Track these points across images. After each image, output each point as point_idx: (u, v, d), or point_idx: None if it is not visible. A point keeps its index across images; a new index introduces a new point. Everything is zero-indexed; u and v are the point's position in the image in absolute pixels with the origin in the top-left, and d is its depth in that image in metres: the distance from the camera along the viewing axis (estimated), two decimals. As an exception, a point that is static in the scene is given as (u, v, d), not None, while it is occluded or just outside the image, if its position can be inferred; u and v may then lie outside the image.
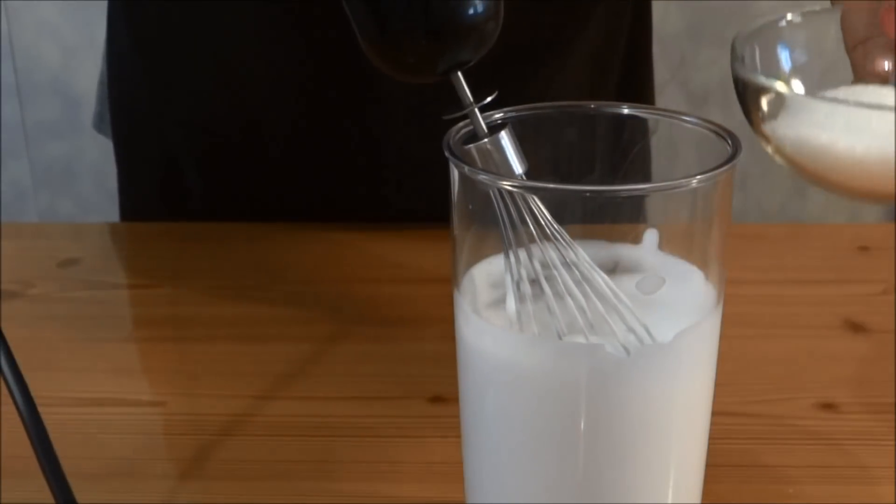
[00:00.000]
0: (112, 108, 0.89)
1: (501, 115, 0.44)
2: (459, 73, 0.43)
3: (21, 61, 1.82)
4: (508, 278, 0.43)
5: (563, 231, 0.42)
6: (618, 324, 0.41)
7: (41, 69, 1.82)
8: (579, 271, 0.42)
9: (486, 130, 0.42)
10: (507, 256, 0.42)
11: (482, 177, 0.42)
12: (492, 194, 0.42)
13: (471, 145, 0.42)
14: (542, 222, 0.41)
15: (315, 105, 0.80)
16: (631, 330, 0.41)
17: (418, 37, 0.42)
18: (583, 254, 0.42)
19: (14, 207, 1.88)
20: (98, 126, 0.94)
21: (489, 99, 0.43)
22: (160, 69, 0.83)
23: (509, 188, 0.41)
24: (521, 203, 0.41)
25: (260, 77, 0.80)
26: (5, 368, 0.41)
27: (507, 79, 0.47)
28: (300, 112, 0.80)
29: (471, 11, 0.42)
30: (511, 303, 0.43)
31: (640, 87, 0.90)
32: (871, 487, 0.55)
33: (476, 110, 0.42)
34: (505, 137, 0.42)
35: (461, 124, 0.43)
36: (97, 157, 1.83)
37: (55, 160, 1.87)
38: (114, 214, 0.94)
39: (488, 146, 0.42)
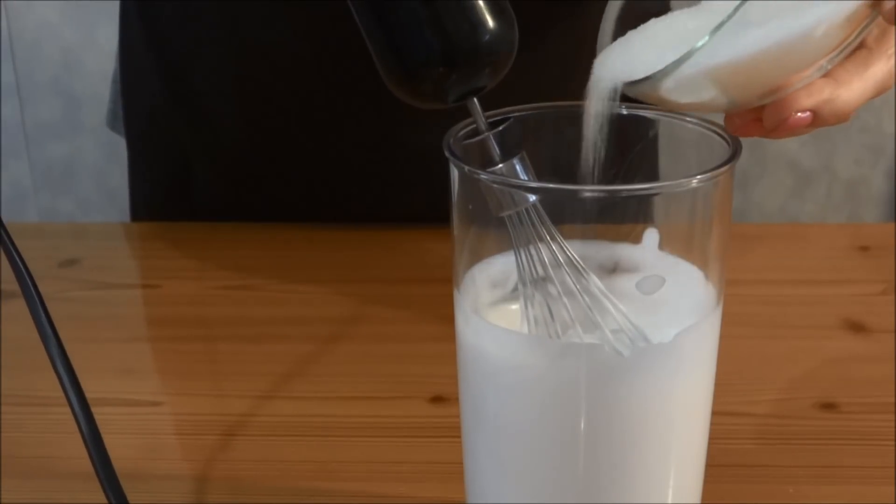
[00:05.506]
0: (125, 106, 0.89)
1: (501, 116, 0.44)
2: (475, 100, 0.43)
3: (21, 61, 1.82)
4: (518, 280, 0.43)
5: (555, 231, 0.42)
6: (614, 325, 0.41)
7: (41, 69, 1.82)
8: (577, 273, 0.42)
9: (500, 156, 0.43)
10: (517, 258, 0.42)
11: (483, 177, 0.42)
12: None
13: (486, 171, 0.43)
14: (544, 224, 0.41)
15: (324, 105, 0.80)
16: (624, 331, 0.41)
17: (434, 66, 0.42)
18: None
19: (14, 207, 1.88)
20: (112, 124, 0.94)
21: (503, 126, 0.43)
22: (173, 66, 0.83)
23: (509, 189, 0.41)
24: (529, 207, 0.41)
25: (271, 76, 0.80)
26: (62, 371, 0.42)
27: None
28: (310, 111, 0.80)
29: (486, 39, 0.42)
30: (522, 305, 0.43)
31: None
32: (871, 487, 0.55)
33: (491, 136, 0.43)
34: (518, 164, 0.43)
35: (461, 124, 0.43)
36: (97, 157, 1.83)
37: (55, 160, 1.87)
38: (114, 214, 0.94)
39: (503, 171, 0.42)
